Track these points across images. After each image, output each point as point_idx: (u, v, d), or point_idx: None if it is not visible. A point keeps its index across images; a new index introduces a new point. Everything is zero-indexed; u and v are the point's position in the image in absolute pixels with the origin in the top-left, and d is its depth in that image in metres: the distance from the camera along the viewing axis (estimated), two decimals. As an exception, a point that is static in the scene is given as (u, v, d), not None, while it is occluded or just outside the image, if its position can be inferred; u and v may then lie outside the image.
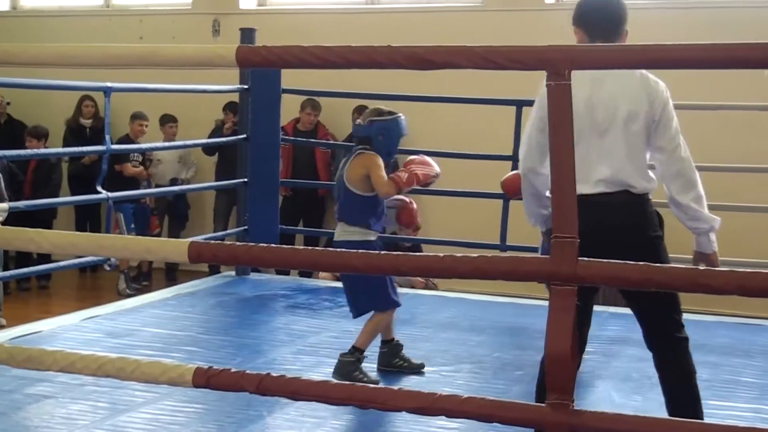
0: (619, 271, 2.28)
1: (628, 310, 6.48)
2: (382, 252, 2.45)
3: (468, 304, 6.36)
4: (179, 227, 9.75)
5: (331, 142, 8.98)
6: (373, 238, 4.59)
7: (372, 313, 4.56)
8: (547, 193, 3.38)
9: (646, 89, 3.44)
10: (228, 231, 7.30)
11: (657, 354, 3.48)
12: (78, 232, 2.71)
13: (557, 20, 8.69)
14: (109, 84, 5.70)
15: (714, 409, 4.24)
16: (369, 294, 4.51)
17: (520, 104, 6.51)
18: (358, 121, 4.71)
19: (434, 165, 4.73)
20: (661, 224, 3.69)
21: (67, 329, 5.27)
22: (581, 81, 3.26)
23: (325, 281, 6.94)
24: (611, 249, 2.82)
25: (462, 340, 5.37)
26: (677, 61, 2.32)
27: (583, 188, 3.18)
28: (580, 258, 2.27)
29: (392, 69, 2.56)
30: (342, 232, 4.59)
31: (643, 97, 3.43)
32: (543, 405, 2.28)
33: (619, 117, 3.39)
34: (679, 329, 3.46)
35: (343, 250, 2.52)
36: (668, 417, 2.52)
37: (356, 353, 4.50)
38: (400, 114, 4.62)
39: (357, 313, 4.61)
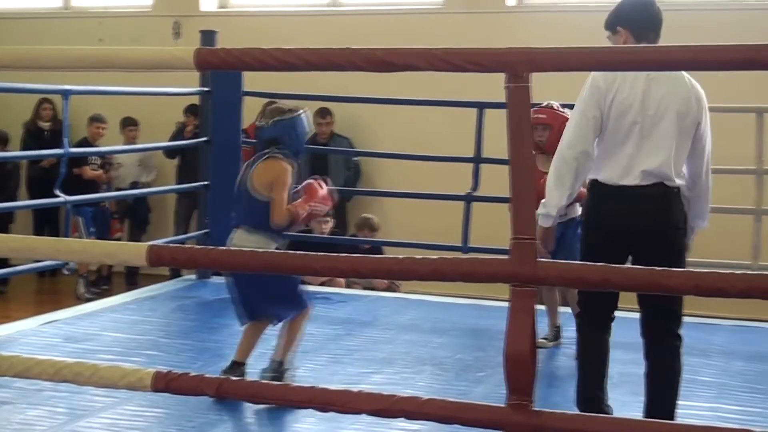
0: (577, 272, 2.30)
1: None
2: (343, 254, 2.45)
3: (430, 305, 6.37)
4: (140, 231, 9.67)
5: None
6: (275, 244, 4.35)
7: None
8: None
9: (695, 93, 3.66)
10: (189, 234, 7.25)
11: (650, 342, 3.70)
12: (36, 236, 2.69)
13: (518, 23, 8.77)
14: (67, 87, 5.64)
15: (673, 408, 4.28)
16: (286, 297, 4.29)
17: (482, 106, 6.53)
18: (261, 122, 4.42)
19: (328, 202, 4.48)
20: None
21: (25, 334, 5.21)
22: (637, 77, 3.50)
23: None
24: (639, 237, 3.34)
25: (424, 341, 5.38)
26: (636, 63, 2.34)
27: (624, 180, 3.49)
28: (538, 259, 2.29)
29: (352, 71, 2.56)
30: (241, 239, 4.30)
31: (692, 100, 3.64)
32: (503, 406, 2.29)
33: (669, 115, 3.56)
34: (677, 323, 3.64)
35: (304, 252, 2.50)
36: (628, 417, 2.54)
37: (281, 367, 4.24)
38: (302, 110, 4.41)
39: (278, 320, 4.38)
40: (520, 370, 2.25)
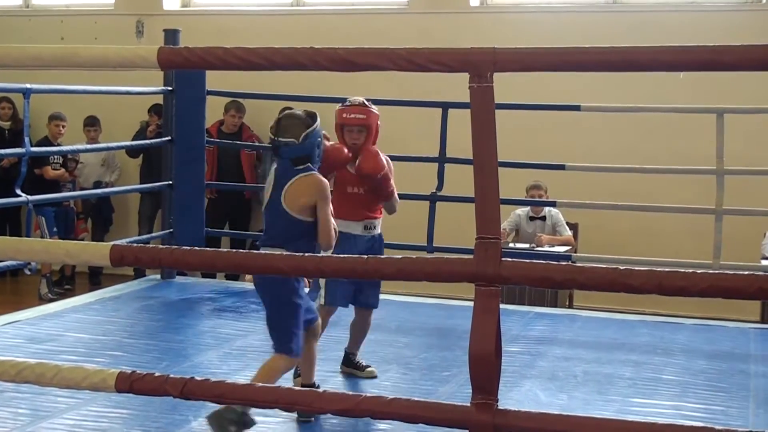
0: (541, 271, 2.31)
1: (553, 310, 6.61)
2: (306, 254, 2.44)
3: (395, 305, 6.37)
4: (103, 231, 9.60)
5: (257, 144, 8.93)
6: None
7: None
8: None
9: None
10: (153, 234, 7.22)
11: None
12: (11, 238, 2.66)
13: (482, 23, 8.79)
14: (28, 85, 5.59)
15: (636, 406, 4.32)
16: (279, 331, 3.91)
17: (446, 106, 6.55)
18: (288, 139, 3.89)
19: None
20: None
21: (-11, 335, 5.17)
22: None
23: (251, 284, 6.89)
24: None
25: (389, 341, 5.38)
26: (599, 63, 2.36)
27: None
28: (503, 259, 2.29)
29: (315, 71, 2.56)
30: None
31: None
32: (468, 405, 2.30)
33: None
34: None
35: (269, 252, 2.49)
36: (592, 416, 2.56)
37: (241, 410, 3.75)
38: (317, 114, 3.99)
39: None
40: (485, 369, 2.26)
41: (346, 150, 4.46)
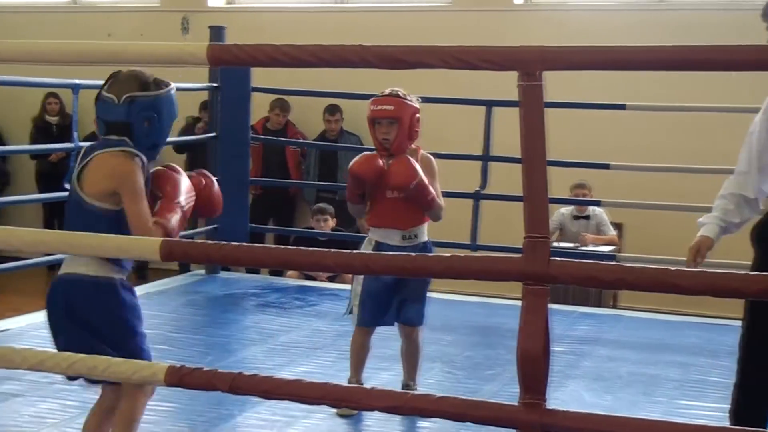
0: (591, 271, 2.30)
1: (598, 310, 6.56)
2: (356, 251, 2.43)
3: (438, 303, 6.34)
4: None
5: (301, 141, 8.97)
6: (117, 275, 3.11)
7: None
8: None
9: None
10: (198, 229, 7.25)
11: None
12: (48, 230, 2.69)
13: (526, 21, 8.76)
14: (77, 81, 5.65)
15: (683, 408, 4.28)
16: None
17: (491, 104, 6.54)
18: (106, 95, 3.10)
19: (193, 190, 3.30)
20: None
21: (35, 327, 5.20)
22: None
23: (294, 280, 6.93)
24: None
25: (433, 339, 5.36)
26: (651, 62, 2.34)
27: None
28: (552, 258, 2.29)
29: (364, 68, 2.56)
30: (74, 263, 3.08)
31: None
32: (516, 404, 2.29)
33: None
34: None
35: (317, 249, 2.49)
36: (639, 417, 2.54)
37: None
38: (172, 86, 3.22)
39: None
40: (533, 368, 2.25)
41: (375, 160, 4.01)
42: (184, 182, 3.22)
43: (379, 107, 4.05)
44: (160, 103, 3.11)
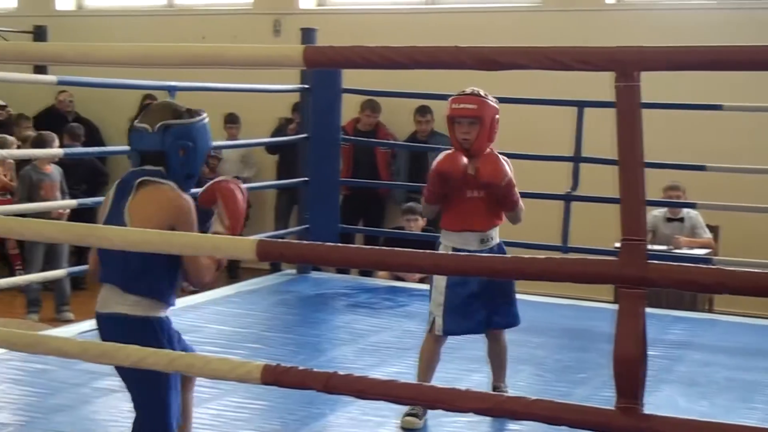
0: (689, 274, 2.26)
1: (692, 314, 6.44)
2: (451, 251, 2.41)
3: (526, 305, 6.29)
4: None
5: (391, 141, 9.00)
6: (162, 314, 3.04)
7: None
8: None
9: None
10: (289, 229, 7.34)
11: None
12: (149, 230, 2.75)
13: (617, 20, 8.65)
14: (173, 83, 5.77)
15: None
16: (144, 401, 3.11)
17: (582, 105, 6.47)
18: (140, 125, 3.04)
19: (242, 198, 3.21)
20: None
21: (132, 325, 5.34)
22: None
23: (385, 280, 6.96)
24: None
25: (522, 341, 5.33)
26: (755, 63, 2.30)
27: None
28: (649, 261, 2.26)
29: (457, 69, 2.56)
30: (112, 302, 3.02)
31: None
32: (611, 408, 2.26)
33: None
34: None
35: (410, 250, 2.49)
36: (738, 424, 2.49)
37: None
38: (205, 114, 3.12)
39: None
40: (630, 373, 2.22)
41: (459, 157, 3.90)
42: (240, 198, 3.18)
43: (461, 106, 3.95)
44: (194, 131, 3.05)
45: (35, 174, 7.87)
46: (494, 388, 4.23)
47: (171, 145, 2.99)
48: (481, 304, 4.02)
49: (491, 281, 3.94)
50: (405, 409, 3.98)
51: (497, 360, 4.25)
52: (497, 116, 3.99)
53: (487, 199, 3.94)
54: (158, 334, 2.99)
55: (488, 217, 4.01)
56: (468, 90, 4.00)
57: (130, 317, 2.97)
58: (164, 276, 3.00)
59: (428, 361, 4.09)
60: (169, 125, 3.00)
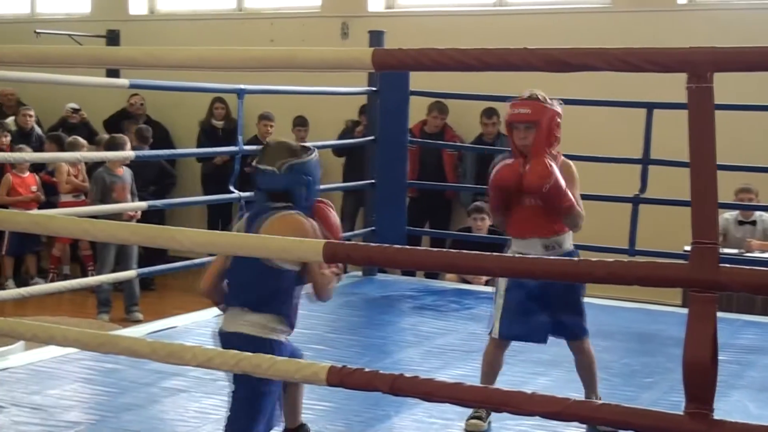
0: (761, 278, 2.22)
1: (764, 318, 6.33)
2: (518, 255, 2.39)
3: (593, 308, 6.23)
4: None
5: (458, 144, 8.99)
6: (283, 336, 3.30)
7: None
8: None
9: None
10: (355, 231, 7.36)
11: None
12: (217, 231, 2.78)
13: (689, 21, 8.53)
14: (242, 86, 5.83)
15: None
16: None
17: (652, 107, 6.40)
18: (265, 167, 3.25)
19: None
20: None
21: (200, 325, 5.40)
22: None
23: (451, 283, 6.94)
24: None
25: (589, 345, 5.30)
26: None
27: None
28: (721, 265, 2.22)
29: (527, 71, 2.54)
30: (240, 320, 3.21)
31: None
32: (681, 413, 2.23)
33: None
34: None
35: (477, 252, 2.49)
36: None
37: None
38: (314, 150, 3.35)
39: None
40: (700, 378, 2.19)
41: (512, 166, 3.87)
42: (336, 221, 3.41)
43: (516, 111, 3.91)
44: (312, 167, 3.28)
45: (108, 176, 8.00)
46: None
47: (296, 182, 3.23)
48: (542, 309, 3.92)
49: (553, 287, 3.85)
50: (469, 412, 3.96)
51: (584, 372, 4.10)
52: (558, 119, 3.92)
53: (544, 205, 3.88)
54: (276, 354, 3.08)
55: (549, 223, 3.94)
56: (526, 93, 3.95)
57: (253, 337, 3.17)
58: (290, 297, 3.26)
59: (489, 365, 4.03)
60: (292, 165, 3.23)
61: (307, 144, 3.37)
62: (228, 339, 3.18)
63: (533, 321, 3.94)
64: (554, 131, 3.90)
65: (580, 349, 4.06)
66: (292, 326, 3.32)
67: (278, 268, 3.14)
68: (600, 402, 2.33)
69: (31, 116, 10.08)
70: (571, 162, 4.04)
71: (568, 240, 4.04)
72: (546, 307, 3.93)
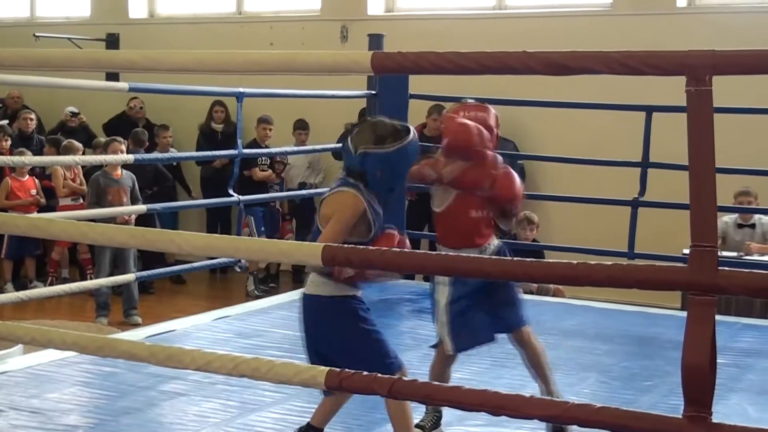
0: (760, 281, 2.22)
1: (763, 322, 6.33)
2: (515, 258, 2.40)
3: (593, 312, 6.28)
4: (307, 231, 9.81)
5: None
6: (353, 292, 3.51)
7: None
8: None
9: None
10: (354, 235, 7.36)
11: None
12: (216, 235, 2.78)
13: (689, 24, 8.53)
14: (241, 89, 5.83)
15: None
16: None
17: (651, 110, 6.40)
18: (349, 144, 3.41)
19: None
20: None
21: (199, 329, 5.40)
22: None
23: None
24: None
25: (588, 348, 5.30)
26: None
27: None
28: (720, 268, 2.22)
29: (527, 74, 2.55)
30: (312, 284, 3.54)
31: None
32: (679, 417, 2.23)
33: None
34: None
35: (474, 256, 2.50)
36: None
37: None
38: (410, 137, 3.36)
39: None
40: (699, 381, 2.19)
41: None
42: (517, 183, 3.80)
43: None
44: (391, 158, 3.32)
45: (103, 179, 8.00)
46: (546, 395, 3.93)
47: (370, 169, 3.33)
48: (483, 309, 3.88)
49: (491, 287, 3.84)
50: (469, 415, 3.95)
51: (535, 365, 3.99)
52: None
53: (487, 216, 4.06)
54: (349, 309, 3.51)
55: (485, 233, 4.08)
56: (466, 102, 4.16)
57: (322, 297, 3.50)
58: None
59: (439, 378, 3.94)
60: (368, 153, 3.32)
61: (406, 129, 3.38)
62: (308, 302, 3.53)
63: (480, 325, 3.90)
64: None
65: (523, 340, 3.96)
66: (356, 286, 3.52)
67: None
68: (598, 405, 2.32)
69: (32, 120, 10.08)
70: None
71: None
72: (485, 305, 3.89)
